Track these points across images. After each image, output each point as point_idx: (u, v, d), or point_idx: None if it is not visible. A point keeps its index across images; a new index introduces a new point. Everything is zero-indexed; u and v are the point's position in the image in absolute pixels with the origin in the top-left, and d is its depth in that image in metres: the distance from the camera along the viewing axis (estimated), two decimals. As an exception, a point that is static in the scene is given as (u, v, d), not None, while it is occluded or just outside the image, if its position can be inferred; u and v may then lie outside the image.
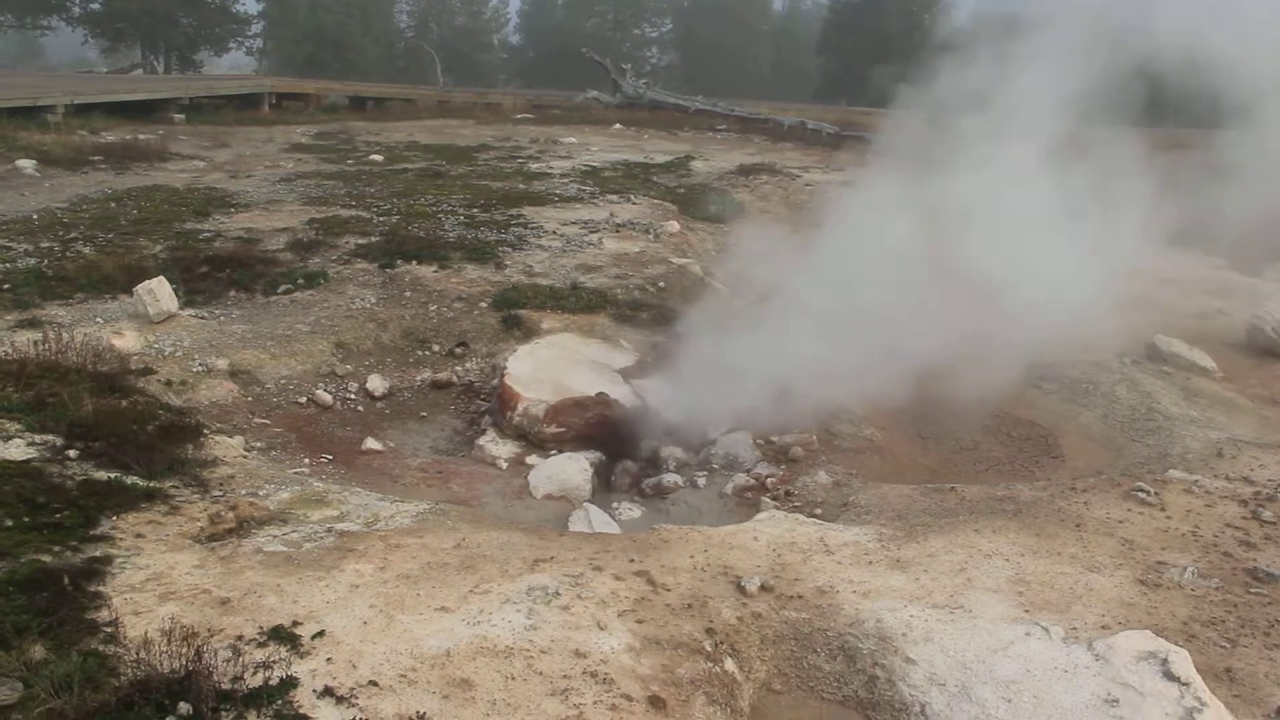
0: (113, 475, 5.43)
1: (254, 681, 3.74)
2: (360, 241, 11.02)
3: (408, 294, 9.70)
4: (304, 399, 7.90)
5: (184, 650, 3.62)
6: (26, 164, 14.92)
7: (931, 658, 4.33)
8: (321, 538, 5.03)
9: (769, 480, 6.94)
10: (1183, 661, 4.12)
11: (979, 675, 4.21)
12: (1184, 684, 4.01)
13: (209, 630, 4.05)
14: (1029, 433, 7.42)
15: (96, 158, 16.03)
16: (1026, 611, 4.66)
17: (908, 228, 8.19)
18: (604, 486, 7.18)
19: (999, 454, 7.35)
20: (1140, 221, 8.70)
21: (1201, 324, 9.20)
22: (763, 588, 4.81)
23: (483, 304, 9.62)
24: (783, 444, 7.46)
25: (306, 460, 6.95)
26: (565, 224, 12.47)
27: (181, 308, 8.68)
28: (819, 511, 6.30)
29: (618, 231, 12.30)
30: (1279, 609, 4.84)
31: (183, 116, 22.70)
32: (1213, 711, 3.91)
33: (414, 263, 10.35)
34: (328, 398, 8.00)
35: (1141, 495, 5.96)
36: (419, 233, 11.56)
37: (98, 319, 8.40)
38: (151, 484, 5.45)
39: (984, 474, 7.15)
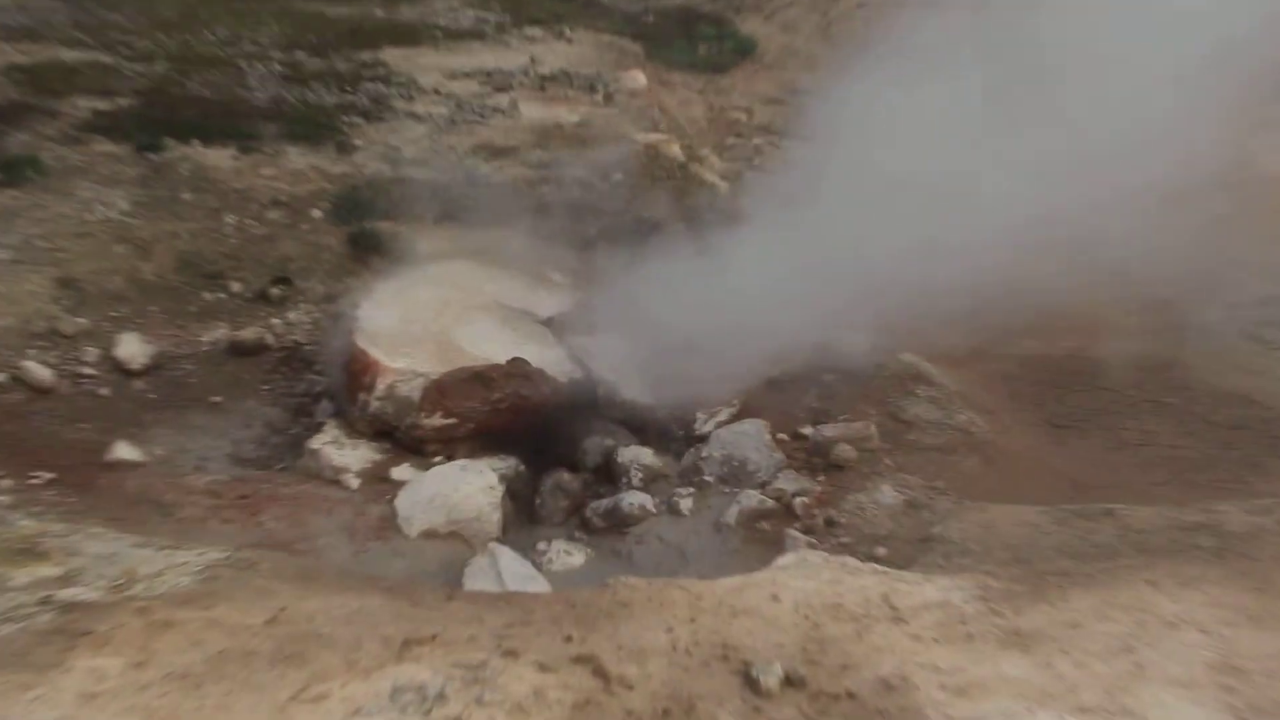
0: None
1: None
2: (100, 106, 8.88)
3: (186, 196, 7.90)
4: (3, 375, 6.45)
5: None
6: None
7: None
8: (31, 614, 4.09)
9: (798, 500, 5.67)
10: None
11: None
12: None
13: None
14: (1240, 417, 6.05)
15: None
16: (1244, 724, 3.97)
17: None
18: (524, 515, 5.96)
19: (1189, 453, 5.97)
20: None
21: None
22: (788, 681, 3.82)
23: (316, 212, 8.00)
24: (820, 438, 5.98)
25: (7, 482, 5.65)
26: (454, 76, 10.54)
27: None
28: (882, 551, 5.28)
29: (543, 89, 10.30)
30: None
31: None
32: None
33: (196, 142, 8.40)
34: (45, 373, 6.49)
35: None
36: (203, 91, 9.52)
37: None
38: None
39: (1162, 486, 5.79)
